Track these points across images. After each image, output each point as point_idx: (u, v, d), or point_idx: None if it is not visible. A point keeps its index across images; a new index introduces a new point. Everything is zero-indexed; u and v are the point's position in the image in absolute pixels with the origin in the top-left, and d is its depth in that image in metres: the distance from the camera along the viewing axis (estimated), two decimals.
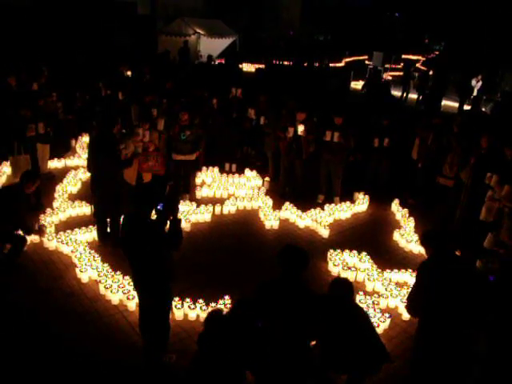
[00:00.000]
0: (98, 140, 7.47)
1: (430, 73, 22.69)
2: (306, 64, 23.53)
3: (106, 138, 7.29)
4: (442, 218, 8.82)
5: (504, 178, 7.16)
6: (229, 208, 9.18)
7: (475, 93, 19.96)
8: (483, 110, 16.43)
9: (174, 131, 9.19)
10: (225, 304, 5.99)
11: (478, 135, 8.43)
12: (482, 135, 8.23)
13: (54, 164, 10.77)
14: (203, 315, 5.76)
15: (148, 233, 4.72)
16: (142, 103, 11.25)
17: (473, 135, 8.89)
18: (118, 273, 6.63)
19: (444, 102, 19.82)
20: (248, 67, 24.74)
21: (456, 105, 19.66)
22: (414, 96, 20.82)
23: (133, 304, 6.09)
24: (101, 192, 7.37)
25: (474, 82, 20.38)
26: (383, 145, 9.73)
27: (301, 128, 9.20)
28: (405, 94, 20.97)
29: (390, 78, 23.46)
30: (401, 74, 22.61)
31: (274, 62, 24.13)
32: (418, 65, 28.71)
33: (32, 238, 7.50)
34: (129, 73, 15.94)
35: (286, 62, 25.01)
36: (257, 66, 23.03)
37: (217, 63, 23.30)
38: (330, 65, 22.93)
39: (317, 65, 23.78)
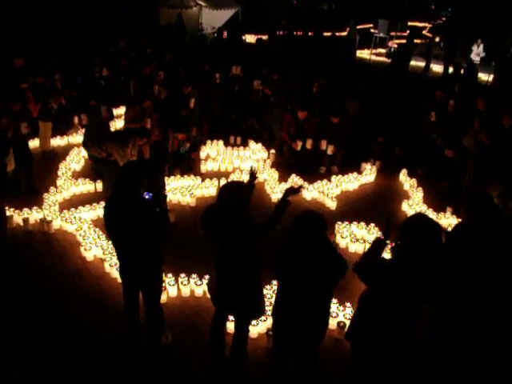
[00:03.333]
0: None
1: (437, 39, 22.28)
2: (311, 33, 23.15)
3: None
4: (449, 187, 8.71)
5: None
6: None
7: (477, 58, 19.59)
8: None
9: (174, 147, 9.13)
10: None
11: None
12: (478, 98, 8.10)
13: (57, 142, 10.64)
14: None
15: (141, 211, 4.50)
16: (141, 77, 11.12)
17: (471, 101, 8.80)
18: None
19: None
20: (251, 38, 24.35)
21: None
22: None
23: None
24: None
25: (474, 47, 19.95)
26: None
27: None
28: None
29: (395, 45, 23.04)
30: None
31: (278, 33, 23.73)
32: (424, 32, 28.21)
33: (35, 217, 7.47)
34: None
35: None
36: (259, 36, 22.59)
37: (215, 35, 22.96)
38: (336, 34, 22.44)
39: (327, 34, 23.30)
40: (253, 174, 4.91)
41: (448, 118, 9.30)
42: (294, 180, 9.00)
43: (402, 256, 3.75)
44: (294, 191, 4.60)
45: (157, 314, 5.07)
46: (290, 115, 9.46)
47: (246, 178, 8.97)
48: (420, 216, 4.09)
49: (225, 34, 21.39)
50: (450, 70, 16.74)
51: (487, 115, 7.86)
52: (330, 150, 9.45)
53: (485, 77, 17.97)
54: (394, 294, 3.72)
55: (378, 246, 3.97)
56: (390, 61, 20.53)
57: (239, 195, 4.30)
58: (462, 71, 14.72)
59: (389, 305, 3.76)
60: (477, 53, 19.88)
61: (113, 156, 7.68)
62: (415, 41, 21.41)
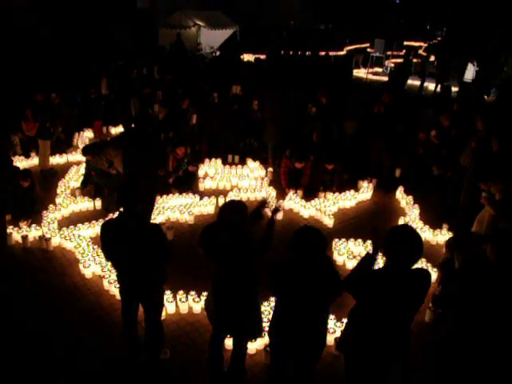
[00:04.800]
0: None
1: (431, 58, 22.50)
2: (308, 53, 23.34)
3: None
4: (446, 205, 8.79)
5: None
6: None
7: (471, 76, 19.80)
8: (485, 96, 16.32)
9: (172, 167, 9.25)
10: None
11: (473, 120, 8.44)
12: (476, 118, 8.19)
13: (56, 160, 10.71)
14: None
15: (149, 237, 4.51)
16: (141, 96, 11.27)
17: (470, 120, 8.89)
18: None
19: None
20: (249, 57, 24.55)
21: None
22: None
23: None
24: None
25: (469, 66, 20.17)
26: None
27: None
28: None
29: (391, 65, 23.26)
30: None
31: (282, 52, 23.96)
32: (420, 51, 28.49)
33: (34, 234, 7.51)
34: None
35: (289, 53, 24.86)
36: (257, 56, 22.78)
37: (217, 54, 23.19)
38: (331, 53, 22.62)
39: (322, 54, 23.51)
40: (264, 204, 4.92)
41: (446, 140, 9.41)
42: (292, 197, 9.06)
43: (386, 266, 3.83)
44: (276, 210, 4.71)
45: (158, 330, 5.10)
46: (287, 160, 9.49)
47: (243, 196, 9.06)
48: (402, 227, 4.15)
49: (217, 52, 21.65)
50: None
51: (485, 135, 7.95)
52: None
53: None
54: (381, 306, 3.77)
55: (366, 260, 4.04)
56: (386, 79, 20.72)
57: (239, 214, 4.36)
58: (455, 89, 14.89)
59: (377, 317, 3.82)
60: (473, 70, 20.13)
61: (113, 165, 7.80)
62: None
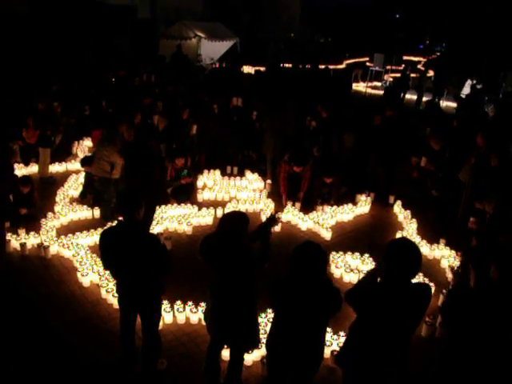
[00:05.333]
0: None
1: (431, 73, 22.69)
2: (308, 66, 23.50)
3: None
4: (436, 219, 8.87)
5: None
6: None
7: (467, 92, 19.98)
8: (486, 110, 16.40)
9: (171, 176, 9.27)
10: None
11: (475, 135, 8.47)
12: (477, 134, 8.24)
13: (56, 168, 10.74)
14: None
15: (147, 247, 4.52)
16: (142, 107, 11.31)
17: (470, 135, 8.92)
18: None
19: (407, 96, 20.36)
20: (248, 69, 24.70)
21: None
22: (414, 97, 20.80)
23: None
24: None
25: (468, 82, 20.36)
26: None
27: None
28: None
29: (390, 79, 23.45)
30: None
31: (282, 65, 24.11)
32: (419, 66, 28.71)
33: (33, 242, 7.52)
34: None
35: (287, 65, 25.05)
36: (257, 68, 22.92)
37: (217, 66, 23.32)
38: (331, 67, 22.79)
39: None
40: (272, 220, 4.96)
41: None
42: (290, 210, 9.10)
43: (386, 279, 3.83)
44: (273, 221, 4.82)
45: (155, 341, 5.11)
46: (286, 165, 9.52)
47: (242, 207, 9.08)
48: (401, 240, 4.15)
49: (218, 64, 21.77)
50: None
51: (485, 151, 8.00)
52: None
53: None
54: (381, 319, 3.79)
55: (370, 276, 4.06)
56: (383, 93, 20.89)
57: (240, 224, 4.38)
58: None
59: (377, 331, 3.83)
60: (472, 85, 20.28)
61: (114, 167, 7.86)
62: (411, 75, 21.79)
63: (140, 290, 4.72)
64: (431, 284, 6.79)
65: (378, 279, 3.98)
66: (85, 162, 9.11)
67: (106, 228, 4.98)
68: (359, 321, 4.03)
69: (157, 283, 4.79)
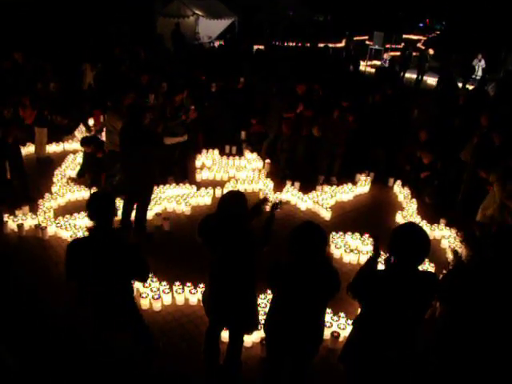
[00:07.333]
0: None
1: (431, 52, 22.47)
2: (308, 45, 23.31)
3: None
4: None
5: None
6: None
7: (480, 72, 19.79)
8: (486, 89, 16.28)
9: (170, 113, 8.98)
10: None
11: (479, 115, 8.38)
12: (482, 114, 8.15)
13: (53, 148, 10.63)
14: None
15: (127, 257, 4.21)
16: (139, 84, 11.15)
17: (475, 115, 8.82)
18: None
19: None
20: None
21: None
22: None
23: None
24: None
25: (475, 61, 20.17)
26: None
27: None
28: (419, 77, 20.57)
29: (390, 57, 23.24)
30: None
31: (274, 43, 23.85)
32: (419, 44, 28.45)
33: (30, 223, 7.47)
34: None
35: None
36: (257, 47, 22.68)
37: (217, 45, 23.07)
38: (330, 45, 22.54)
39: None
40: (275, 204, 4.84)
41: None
42: (290, 190, 9.04)
43: (392, 266, 3.76)
44: (275, 206, 4.74)
45: (144, 337, 4.92)
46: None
47: (241, 187, 9.02)
48: (409, 225, 3.99)
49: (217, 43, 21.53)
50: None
51: (487, 130, 7.93)
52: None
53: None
54: (387, 309, 3.73)
55: (369, 264, 4.01)
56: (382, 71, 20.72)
57: (240, 204, 4.31)
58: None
59: (384, 321, 3.78)
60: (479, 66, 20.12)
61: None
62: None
63: (114, 307, 4.45)
64: (431, 264, 6.77)
65: (384, 267, 3.92)
66: (85, 141, 9.01)
67: (74, 239, 4.59)
68: (365, 313, 3.96)
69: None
